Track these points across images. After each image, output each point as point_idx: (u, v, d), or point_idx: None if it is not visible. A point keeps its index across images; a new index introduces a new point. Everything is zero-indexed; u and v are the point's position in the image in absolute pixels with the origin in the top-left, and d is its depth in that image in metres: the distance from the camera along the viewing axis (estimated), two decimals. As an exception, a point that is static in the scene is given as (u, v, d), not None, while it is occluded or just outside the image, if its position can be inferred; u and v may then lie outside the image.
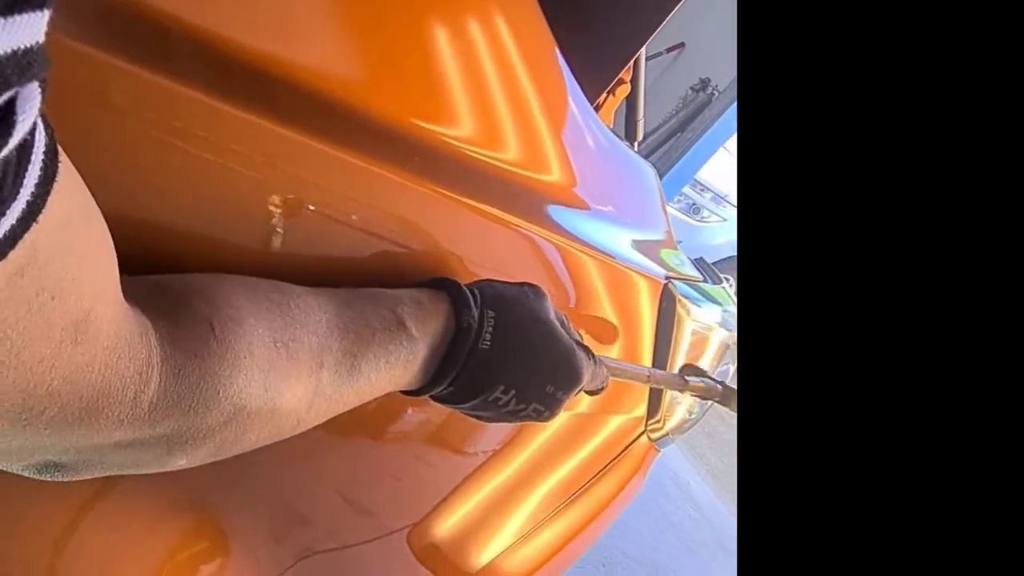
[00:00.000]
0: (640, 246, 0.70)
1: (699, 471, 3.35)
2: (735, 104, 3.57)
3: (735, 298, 0.86)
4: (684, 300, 0.70)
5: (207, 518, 0.49)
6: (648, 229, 0.74)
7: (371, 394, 0.37)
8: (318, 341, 0.33)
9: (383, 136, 0.41)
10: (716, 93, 3.75)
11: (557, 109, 0.60)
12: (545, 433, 0.71)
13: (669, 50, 4.14)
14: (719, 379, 0.65)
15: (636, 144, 0.93)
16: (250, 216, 0.35)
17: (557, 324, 0.45)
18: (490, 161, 0.50)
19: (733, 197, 4.58)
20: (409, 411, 0.58)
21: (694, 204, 4.57)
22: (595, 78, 0.71)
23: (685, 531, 2.73)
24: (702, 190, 4.57)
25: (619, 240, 0.66)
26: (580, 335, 0.49)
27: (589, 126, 0.66)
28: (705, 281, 0.81)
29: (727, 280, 0.85)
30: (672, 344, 0.70)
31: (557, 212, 0.58)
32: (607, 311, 0.64)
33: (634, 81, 0.86)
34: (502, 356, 0.41)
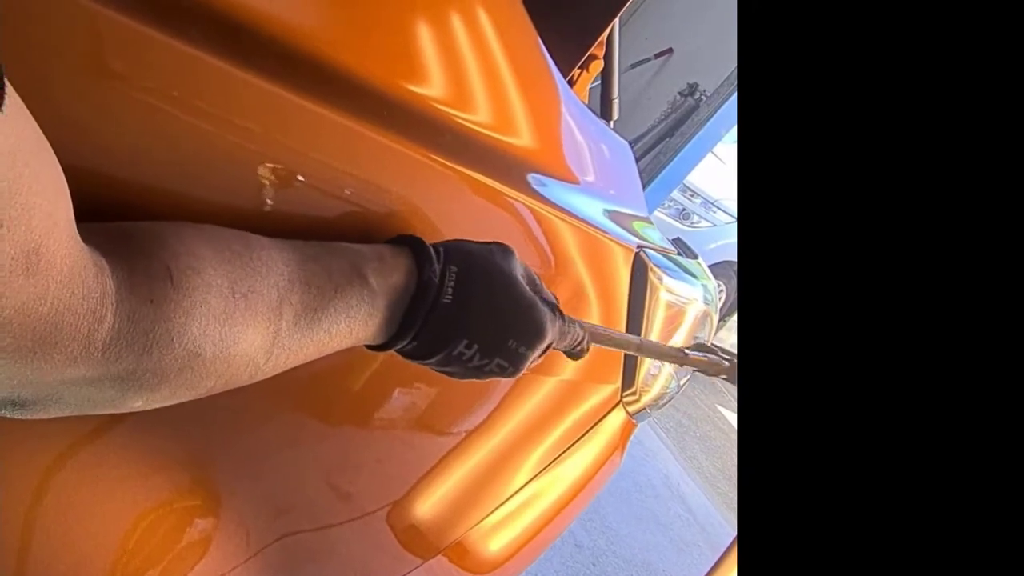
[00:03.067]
0: (614, 216, 0.71)
1: (690, 474, 3.35)
2: (723, 108, 3.60)
3: (710, 273, 0.87)
4: (656, 269, 0.71)
5: (202, 480, 0.49)
6: (623, 202, 0.75)
7: (332, 347, 0.38)
8: (278, 294, 0.34)
9: (362, 93, 0.42)
10: (704, 98, 3.78)
11: (531, 78, 0.61)
12: (522, 406, 0.72)
13: (657, 56, 4.18)
14: (727, 354, 0.63)
15: (611, 123, 0.94)
16: (220, 169, 0.36)
17: (520, 280, 0.45)
18: (466, 124, 0.50)
19: (723, 202, 4.61)
20: (395, 394, 0.59)
21: (684, 209, 4.60)
22: (566, 52, 0.72)
23: (675, 531, 2.73)
24: (692, 195, 4.60)
25: (593, 209, 0.67)
26: (554, 297, 0.50)
27: (563, 97, 0.67)
28: (679, 255, 0.82)
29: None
30: (645, 313, 0.70)
31: (531, 177, 0.59)
32: (579, 277, 0.65)
33: (607, 58, 0.87)
34: (464, 310, 0.41)
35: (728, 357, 0.61)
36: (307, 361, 0.38)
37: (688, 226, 4.60)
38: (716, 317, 0.85)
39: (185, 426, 0.46)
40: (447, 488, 0.71)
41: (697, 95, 3.84)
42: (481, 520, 0.74)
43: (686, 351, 0.60)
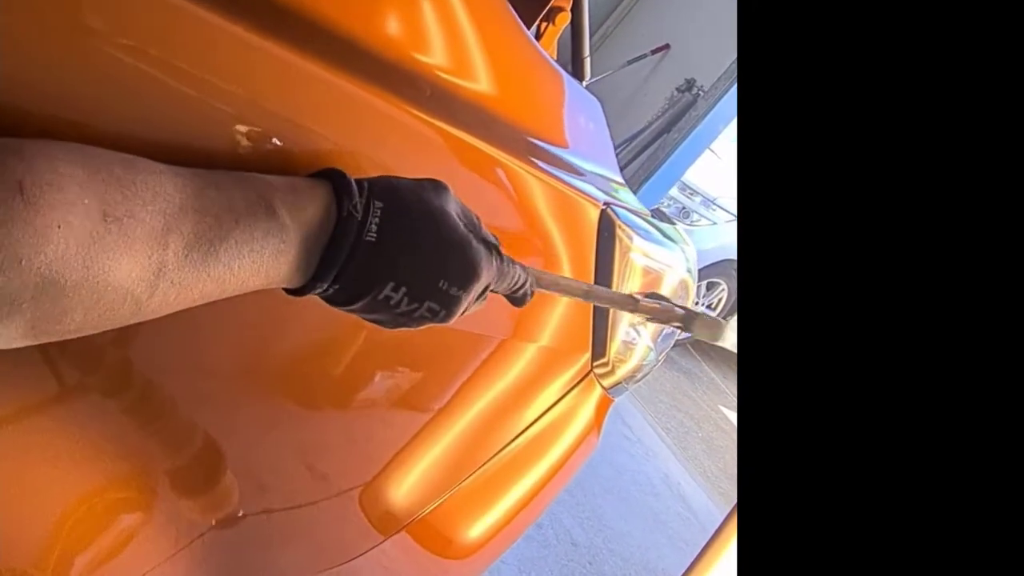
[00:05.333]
0: (582, 174, 0.67)
1: (691, 473, 3.30)
2: (721, 103, 3.57)
3: (689, 239, 0.83)
4: (625, 227, 0.66)
5: (135, 470, 0.47)
6: (593, 160, 0.71)
7: (236, 285, 0.35)
8: (164, 221, 0.31)
9: (305, 26, 0.39)
10: (701, 93, 3.75)
11: (494, 25, 0.58)
12: (484, 377, 0.68)
13: (654, 52, 4.16)
14: (679, 303, 0.60)
15: (584, 83, 0.90)
16: (123, 88, 0.32)
17: (453, 215, 0.42)
18: (421, 65, 0.47)
19: (722, 200, 4.57)
20: (377, 377, 0.57)
21: (683, 208, 4.55)
22: (527, 2, 0.68)
23: (674, 529, 2.68)
24: (691, 194, 4.56)
25: (560, 164, 0.63)
26: (495, 237, 0.46)
27: (526, 46, 0.63)
28: (654, 216, 0.77)
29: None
30: (614, 276, 0.66)
31: (492, 125, 0.55)
32: (543, 234, 0.61)
33: (575, 11, 0.83)
34: (389, 249, 0.38)
35: (681, 306, 0.57)
36: (207, 300, 0.34)
37: (688, 225, 4.55)
38: (694, 284, 0.81)
39: (154, 400, 0.44)
40: (407, 465, 0.68)
41: (695, 90, 3.81)
42: (443, 497, 0.70)
43: (637, 297, 0.55)
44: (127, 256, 0.29)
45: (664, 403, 3.98)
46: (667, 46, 4.17)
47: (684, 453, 3.51)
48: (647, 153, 3.80)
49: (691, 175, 4.09)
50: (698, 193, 4.54)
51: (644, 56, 4.18)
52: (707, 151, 3.97)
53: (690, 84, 3.83)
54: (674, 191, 4.23)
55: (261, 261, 0.35)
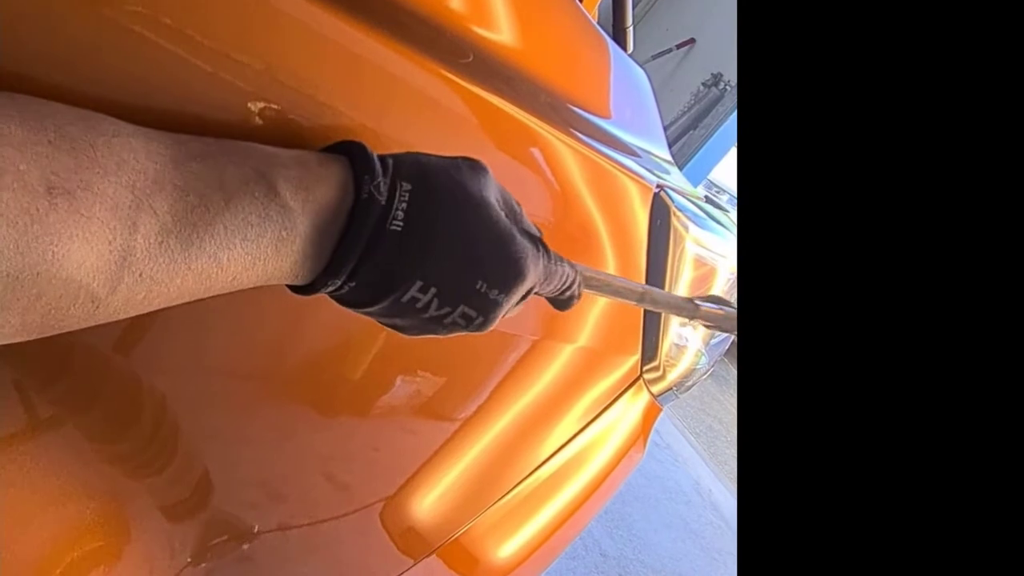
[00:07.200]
0: (632, 151, 0.59)
1: (721, 479, 3.20)
2: (749, 98, 3.48)
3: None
4: (680, 214, 0.58)
5: (192, 465, 0.44)
6: (641, 134, 0.63)
7: (225, 282, 0.28)
8: (133, 197, 0.24)
9: None
10: (728, 88, 3.65)
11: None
12: (523, 384, 0.61)
13: (679, 46, 4.06)
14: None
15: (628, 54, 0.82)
16: (93, 40, 0.26)
17: (494, 203, 0.35)
18: (459, 26, 0.40)
19: (750, 198, 4.48)
20: (398, 381, 0.52)
21: (710, 206, 4.46)
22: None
23: (707, 539, 2.58)
24: (718, 191, 4.47)
25: (607, 139, 0.55)
26: (539, 230, 0.39)
27: (571, 8, 0.55)
28: (707, 203, 0.69)
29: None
30: (668, 265, 0.58)
31: (529, 91, 0.48)
32: (590, 219, 0.53)
33: (619, -27, 0.75)
34: (418, 241, 0.31)
35: None
36: (187, 299, 0.27)
37: (714, 223, 4.46)
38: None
39: (154, 403, 0.40)
40: (435, 478, 0.61)
41: (721, 85, 3.72)
42: (478, 516, 0.62)
43: (697, 302, 0.48)
44: (80, 240, 0.23)
45: (693, 407, 3.88)
46: (692, 40, 4.07)
47: (714, 459, 3.41)
48: (673, 150, 3.71)
49: (718, 173, 4.00)
50: (725, 191, 4.45)
51: (669, 51, 4.09)
52: (734, 148, 3.87)
53: (717, 79, 3.73)
54: (699, 188, 4.14)
55: (257, 252, 0.28)
